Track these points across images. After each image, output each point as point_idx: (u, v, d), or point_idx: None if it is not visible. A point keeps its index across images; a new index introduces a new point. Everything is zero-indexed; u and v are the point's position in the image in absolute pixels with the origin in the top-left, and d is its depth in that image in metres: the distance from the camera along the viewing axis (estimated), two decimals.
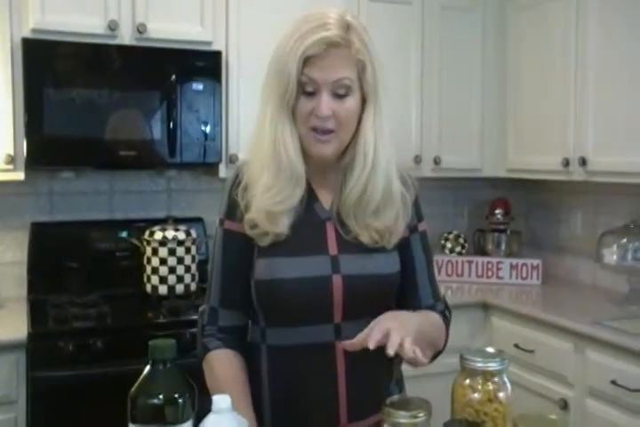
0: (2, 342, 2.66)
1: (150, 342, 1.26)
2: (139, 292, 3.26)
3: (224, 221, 1.62)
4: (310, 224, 1.57)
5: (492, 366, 1.34)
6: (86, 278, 3.28)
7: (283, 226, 1.53)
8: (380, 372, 1.61)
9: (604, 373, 2.71)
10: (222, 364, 1.57)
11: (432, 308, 1.66)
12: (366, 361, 1.55)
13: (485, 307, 3.43)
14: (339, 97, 1.49)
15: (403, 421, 1.31)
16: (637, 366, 2.59)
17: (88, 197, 3.43)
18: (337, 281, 1.53)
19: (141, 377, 1.25)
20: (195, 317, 1.74)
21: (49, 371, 2.65)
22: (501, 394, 1.34)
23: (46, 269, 3.25)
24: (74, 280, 3.26)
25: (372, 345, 1.33)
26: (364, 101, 1.53)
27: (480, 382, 1.34)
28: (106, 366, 2.71)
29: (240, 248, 1.59)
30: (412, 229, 1.64)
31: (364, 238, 1.55)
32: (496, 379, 1.35)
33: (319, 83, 1.47)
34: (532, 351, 3.08)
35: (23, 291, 3.25)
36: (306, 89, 1.48)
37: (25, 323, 2.81)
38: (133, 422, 1.23)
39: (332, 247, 1.56)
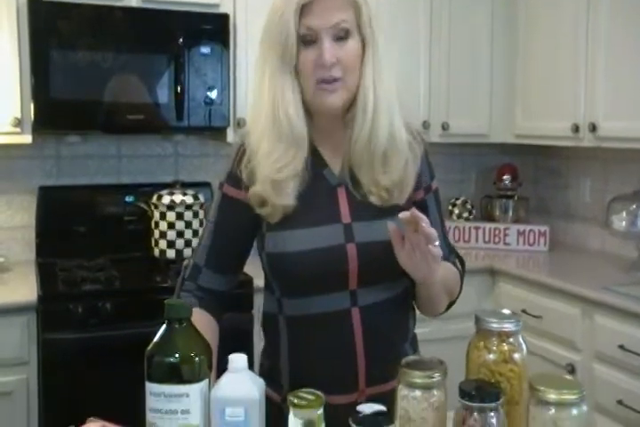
0: (12, 304, 2.69)
1: (166, 301, 1.26)
2: (147, 256, 3.26)
3: (223, 185, 1.60)
4: (321, 192, 1.55)
5: (508, 326, 1.34)
6: (94, 243, 3.30)
7: (290, 196, 1.50)
8: (396, 334, 1.61)
9: (611, 338, 2.72)
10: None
11: (445, 259, 1.65)
12: (383, 326, 1.56)
13: (492, 273, 3.43)
14: (340, 41, 1.46)
15: (418, 381, 1.31)
16: None
17: (95, 162, 3.42)
18: (351, 250, 1.51)
19: (157, 336, 1.25)
20: None
21: (60, 333, 2.67)
22: (516, 355, 1.33)
23: (54, 233, 3.26)
24: (82, 244, 3.28)
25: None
26: (363, 47, 1.50)
27: (495, 342, 1.34)
28: (115, 329, 2.74)
29: (236, 214, 1.57)
30: (427, 189, 1.63)
31: (374, 199, 1.53)
32: (511, 340, 1.34)
33: (318, 30, 1.44)
34: (539, 317, 3.09)
35: (31, 255, 3.27)
36: (306, 39, 1.46)
37: (34, 286, 2.83)
38: (150, 380, 1.24)
39: (345, 215, 1.54)
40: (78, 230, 3.29)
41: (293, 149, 1.50)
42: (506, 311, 1.39)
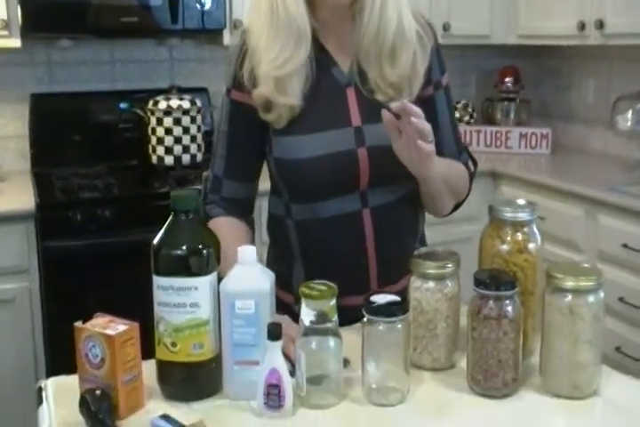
0: (10, 212, 2.65)
1: (172, 193, 1.23)
2: (144, 163, 3.21)
3: (231, 91, 1.54)
4: (329, 93, 1.49)
5: (522, 216, 1.31)
6: (90, 151, 3.25)
7: (295, 94, 1.44)
8: (406, 234, 1.59)
9: (615, 237, 2.72)
10: (224, 228, 1.49)
11: (456, 159, 1.61)
12: (393, 226, 1.53)
13: (494, 176, 3.40)
14: None
15: (431, 271, 1.29)
16: None
17: (88, 67, 3.32)
18: (362, 154, 1.46)
19: (164, 228, 1.22)
20: None
21: (59, 241, 2.66)
22: (531, 245, 1.31)
23: (49, 142, 3.19)
24: (77, 153, 3.23)
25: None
26: None
27: (509, 232, 1.31)
28: (114, 236, 2.72)
29: (247, 120, 1.52)
30: (437, 85, 1.56)
31: (381, 97, 1.46)
32: (525, 229, 1.31)
33: None
34: (542, 218, 3.05)
35: (26, 164, 3.21)
36: None
37: (31, 194, 2.79)
38: (157, 273, 1.21)
39: (355, 118, 1.48)
40: (73, 139, 3.22)
41: (293, 42, 1.43)
42: (520, 201, 1.36)
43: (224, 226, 1.51)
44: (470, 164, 1.65)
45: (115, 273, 2.68)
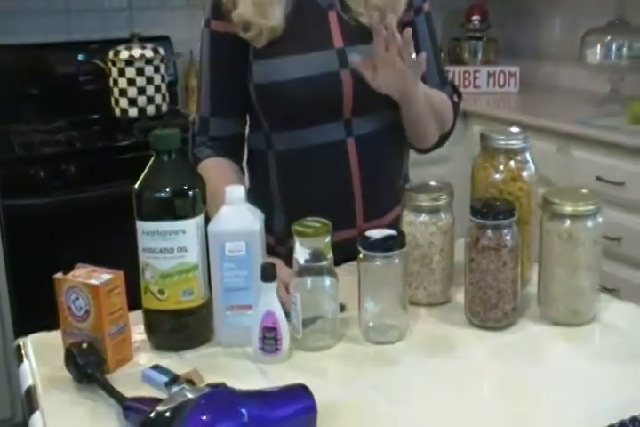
0: None
1: (153, 132, 1.16)
2: (107, 116, 3.09)
3: (210, 22, 1.47)
4: (310, 15, 1.44)
5: (515, 143, 1.27)
6: (49, 106, 3.12)
7: (275, 17, 1.40)
8: (392, 167, 1.54)
9: (588, 170, 2.70)
10: (213, 169, 1.47)
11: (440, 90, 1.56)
12: (378, 157, 1.49)
13: (464, 115, 3.34)
14: None
15: (424, 204, 1.25)
16: (622, 161, 2.60)
17: (42, 17, 3.16)
18: (346, 77, 1.42)
19: (145, 170, 1.16)
20: None
21: (22, 199, 2.57)
22: (525, 173, 1.27)
23: (5, 98, 3.06)
24: (35, 108, 3.11)
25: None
26: None
27: (502, 161, 1.27)
28: (81, 192, 2.63)
29: (229, 50, 1.46)
30: (417, 9, 1.50)
31: (364, 19, 1.41)
32: (519, 157, 1.28)
33: None
34: None
35: None
36: None
37: None
38: (140, 218, 1.15)
39: (337, 39, 1.43)
40: (30, 93, 3.10)
41: None
42: (513, 129, 1.32)
43: (212, 167, 1.47)
44: (455, 96, 1.60)
45: (82, 230, 2.60)
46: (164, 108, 3.07)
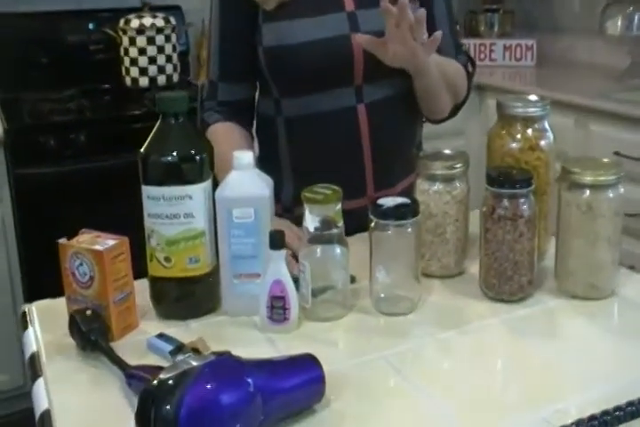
0: None
1: (158, 94, 1.13)
2: (118, 86, 3.06)
3: None
4: None
5: (533, 111, 1.23)
6: (59, 75, 3.08)
7: None
8: (404, 135, 1.51)
9: (606, 145, 2.64)
10: (222, 134, 1.45)
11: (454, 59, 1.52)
12: (389, 124, 1.46)
13: (479, 88, 3.29)
14: None
15: (439, 172, 1.21)
16: None
17: None
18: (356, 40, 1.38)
19: (151, 134, 1.12)
20: None
21: (32, 168, 2.54)
22: (543, 142, 1.23)
23: (15, 65, 3.03)
24: (46, 77, 3.07)
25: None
26: None
27: (520, 129, 1.23)
28: (91, 161, 2.61)
29: (239, 13, 1.43)
30: None
31: None
32: (537, 126, 1.23)
33: None
34: None
35: None
36: None
37: None
38: (146, 183, 1.12)
39: (349, 2, 1.40)
40: (41, 62, 3.06)
41: None
42: (532, 96, 1.27)
43: (221, 132, 1.44)
44: (469, 65, 1.56)
45: (92, 199, 2.58)
46: (175, 77, 3.04)
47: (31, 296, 2.32)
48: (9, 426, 2.65)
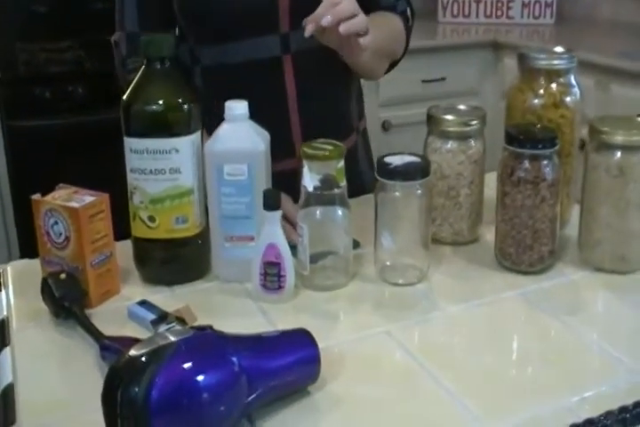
0: None
1: (142, 38, 1.02)
2: None
3: None
4: None
5: (558, 63, 1.12)
6: (56, 24, 2.95)
7: None
8: (336, 92, 1.38)
9: (629, 107, 2.52)
10: None
11: (392, 9, 1.38)
12: (318, 77, 1.32)
13: (496, 46, 3.18)
14: None
15: (452, 129, 1.10)
16: None
17: None
18: None
19: (134, 80, 1.02)
20: None
21: (26, 120, 2.46)
22: (568, 98, 1.12)
23: (10, 14, 2.90)
24: (42, 26, 2.93)
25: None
26: None
27: (543, 84, 1.12)
28: (88, 114, 2.55)
29: None
30: None
31: None
32: (562, 80, 1.12)
33: None
34: None
35: None
36: None
37: None
38: (128, 135, 1.02)
39: None
40: (37, 10, 2.93)
41: None
42: (558, 48, 1.16)
43: None
44: (408, 13, 1.41)
45: (89, 154, 2.49)
46: (177, 31, 2.90)
47: (27, 252, 2.25)
48: None
